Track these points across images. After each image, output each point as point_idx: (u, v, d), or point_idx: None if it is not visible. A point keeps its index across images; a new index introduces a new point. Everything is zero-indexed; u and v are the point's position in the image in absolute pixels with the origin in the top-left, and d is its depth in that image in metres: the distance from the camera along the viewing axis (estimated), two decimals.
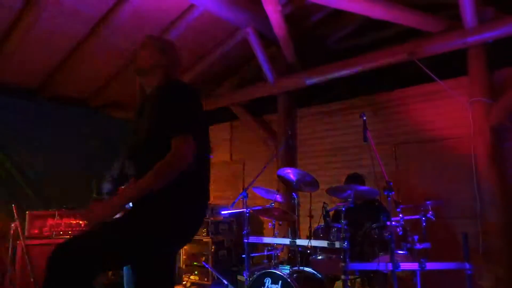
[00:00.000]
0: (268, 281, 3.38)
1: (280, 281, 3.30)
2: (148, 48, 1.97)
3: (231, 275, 5.11)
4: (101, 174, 6.02)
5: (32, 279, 3.95)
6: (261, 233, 6.02)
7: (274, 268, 3.50)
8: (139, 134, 1.86)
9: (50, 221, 4.55)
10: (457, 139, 4.56)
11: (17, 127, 5.24)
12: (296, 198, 3.91)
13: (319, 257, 3.48)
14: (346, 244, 3.07)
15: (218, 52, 5.68)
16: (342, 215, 3.24)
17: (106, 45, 4.92)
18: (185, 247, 5.36)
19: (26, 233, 4.31)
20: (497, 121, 4.12)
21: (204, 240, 5.33)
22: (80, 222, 4.79)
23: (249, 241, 3.73)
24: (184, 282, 5.30)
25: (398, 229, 3.32)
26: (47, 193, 5.39)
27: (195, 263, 5.35)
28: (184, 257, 5.51)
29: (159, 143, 1.71)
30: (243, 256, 3.75)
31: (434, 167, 4.72)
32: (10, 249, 4.16)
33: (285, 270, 3.45)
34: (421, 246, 3.20)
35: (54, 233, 4.53)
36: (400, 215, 3.38)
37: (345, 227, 3.17)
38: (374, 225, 3.47)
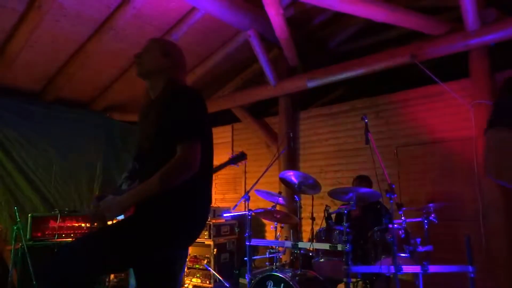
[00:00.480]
0: (270, 283, 3.37)
1: (282, 284, 3.29)
2: (152, 51, 1.96)
3: (233, 278, 5.10)
4: (102, 177, 6.04)
5: (34, 282, 3.95)
6: (263, 236, 6.01)
7: (276, 271, 3.49)
8: (145, 137, 1.86)
9: (52, 224, 4.56)
10: (459, 141, 4.55)
11: (20, 130, 5.26)
12: (298, 201, 3.90)
13: (321, 260, 3.47)
14: (348, 247, 3.07)
15: (220, 55, 5.69)
16: (344, 217, 3.24)
17: (108, 48, 4.94)
18: None
19: (28, 236, 4.32)
20: None
21: (206, 242, 5.33)
22: (82, 224, 4.80)
23: (251, 243, 3.72)
24: (186, 285, 5.29)
25: (400, 232, 3.31)
26: (49, 195, 5.40)
27: (197, 266, 5.35)
28: None
29: (164, 147, 1.72)
30: (245, 258, 3.74)
31: (436, 169, 4.71)
32: (12, 251, 4.16)
33: (287, 272, 3.44)
34: (424, 249, 3.19)
35: (56, 235, 4.54)
36: (402, 218, 3.37)
37: (347, 229, 3.17)
38: (376, 228, 3.47)
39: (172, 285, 1.84)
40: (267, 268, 3.84)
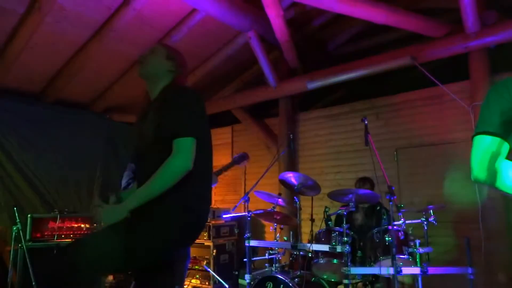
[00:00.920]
0: (269, 285, 3.37)
1: (281, 285, 3.29)
2: (156, 53, 2.01)
3: (232, 279, 5.10)
4: (102, 178, 6.04)
5: (33, 283, 3.95)
6: (262, 237, 6.01)
7: (276, 272, 3.49)
8: (143, 138, 1.88)
9: (52, 224, 4.56)
10: (459, 143, 4.55)
11: (20, 131, 5.25)
12: (297, 202, 3.91)
13: (321, 261, 3.47)
14: (348, 248, 3.07)
15: (220, 56, 5.70)
16: (344, 219, 3.24)
17: (108, 50, 4.94)
18: None
19: (27, 236, 4.32)
20: None
21: (206, 243, 5.33)
22: (82, 225, 4.80)
23: (251, 245, 3.72)
24: (185, 286, 5.29)
25: (399, 233, 3.31)
26: (49, 196, 5.40)
27: (196, 267, 5.35)
28: None
29: (163, 146, 1.72)
30: (245, 260, 3.74)
31: (436, 171, 4.71)
32: (11, 252, 4.16)
33: (286, 274, 3.44)
34: (423, 251, 3.19)
35: (55, 236, 4.54)
36: (402, 219, 3.38)
37: (347, 231, 3.17)
38: (375, 229, 3.47)
39: (171, 285, 1.84)
40: (267, 269, 3.84)
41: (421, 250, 3.18)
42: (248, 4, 4.81)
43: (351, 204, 3.39)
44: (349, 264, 3.09)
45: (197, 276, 5.30)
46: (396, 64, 4.68)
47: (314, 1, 4.53)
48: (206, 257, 5.30)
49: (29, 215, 4.44)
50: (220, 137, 6.84)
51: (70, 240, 4.61)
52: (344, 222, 3.20)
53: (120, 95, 6.05)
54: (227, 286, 4.75)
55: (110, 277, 4.84)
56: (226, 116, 6.56)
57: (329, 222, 3.69)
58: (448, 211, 4.38)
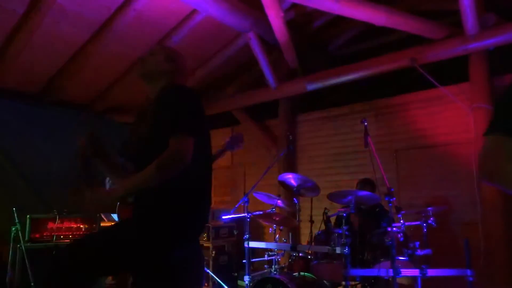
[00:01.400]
0: (268, 286, 3.36)
1: (280, 287, 3.28)
2: (156, 54, 2.00)
3: (231, 280, 5.09)
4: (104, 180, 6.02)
5: (32, 283, 3.94)
6: (262, 238, 6.01)
7: (275, 274, 3.49)
8: (140, 137, 1.87)
9: (51, 225, 4.55)
10: (459, 145, 4.56)
11: (20, 131, 5.25)
12: (297, 203, 3.90)
13: (320, 263, 3.46)
14: (347, 250, 3.07)
15: (220, 57, 5.70)
16: (343, 220, 3.24)
17: (108, 50, 4.94)
18: None
19: (26, 237, 4.31)
20: None
21: (205, 245, 5.32)
22: (81, 225, 4.79)
23: (250, 246, 3.72)
24: None
25: (399, 235, 3.31)
26: (48, 197, 5.39)
27: None
28: None
29: (159, 145, 1.72)
30: (244, 261, 3.74)
31: (436, 173, 4.72)
32: (10, 252, 4.16)
33: (285, 275, 3.43)
34: (422, 252, 3.19)
35: (54, 236, 4.53)
36: (401, 221, 3.37)
37: (346, 232, 3.17)
38: (375, 231, 3.47)
39: (170, 286, 1.84)
40: (266, 270, 3.84)
41: (420, 251, 3.18)
42: (248, 5, 4.81)
43: (351, 205, 3.38)
44: (348, 265, 3.08)
45: None
46: (396, 65, 4.68)
47: (315, 3, 4.53)
48: (205, 258, 5.29)
49: (28, 216, 4.43)
50: (220, 138, 6.82)
51: (69, 240, 4.61)
52: (344, 224, 3.19)
53: (120, 96, 6.05)
54: (226, 287, 4.75)
55: (110, 278, 4.83)
56: (225, 117, 6.55)
57: (329, 224, 3.69)
58: (447, 212, 4.39)
